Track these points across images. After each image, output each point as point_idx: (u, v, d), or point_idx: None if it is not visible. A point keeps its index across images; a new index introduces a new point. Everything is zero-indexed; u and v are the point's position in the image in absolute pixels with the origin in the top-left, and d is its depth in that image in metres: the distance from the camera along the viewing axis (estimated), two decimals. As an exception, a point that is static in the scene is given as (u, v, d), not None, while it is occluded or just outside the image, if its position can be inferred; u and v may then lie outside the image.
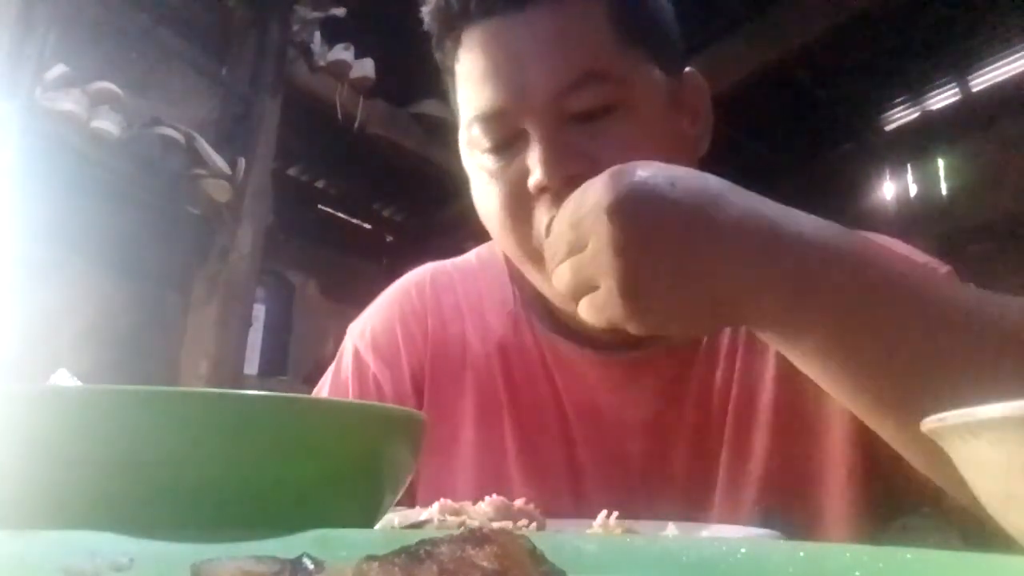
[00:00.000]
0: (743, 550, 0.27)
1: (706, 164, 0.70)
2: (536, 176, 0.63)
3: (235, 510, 0.30)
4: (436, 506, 0.47)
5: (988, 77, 4.01)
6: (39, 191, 2.12)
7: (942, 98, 4.25)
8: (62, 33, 2.20)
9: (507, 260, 0.80)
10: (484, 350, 0.78)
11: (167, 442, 0.30)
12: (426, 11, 0.73)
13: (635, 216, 0.48)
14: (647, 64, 0.68)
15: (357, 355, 0.80)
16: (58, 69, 2.24)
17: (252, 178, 2.75)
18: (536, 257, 0.65)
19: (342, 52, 3.17)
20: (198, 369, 2.61)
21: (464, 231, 2.97)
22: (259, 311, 3.42)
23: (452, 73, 0.72)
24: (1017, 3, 3.24)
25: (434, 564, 0.21)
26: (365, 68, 3.22)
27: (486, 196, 0.69)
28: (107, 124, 2.29)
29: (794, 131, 4.14)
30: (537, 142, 0.64)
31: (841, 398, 0.53)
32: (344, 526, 0.29)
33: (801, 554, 0.26)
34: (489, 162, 0.68)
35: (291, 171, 3.95)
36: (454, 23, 0.70)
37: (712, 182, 0.51)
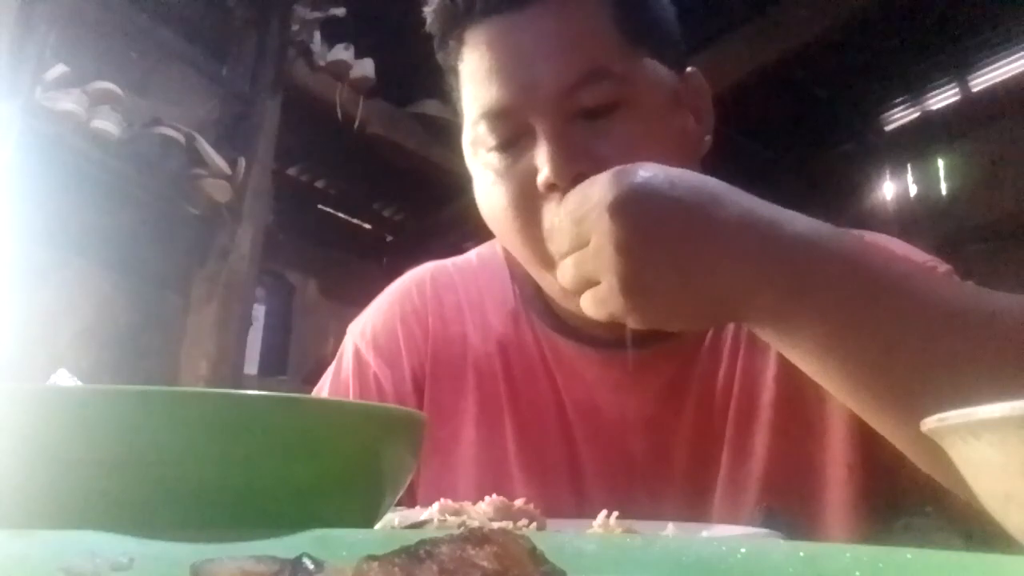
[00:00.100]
0: (743, 550, 0.27)
1: (706, 164, 0.70)
2: (545, 173, 0.63)
3: (235, 510, 0.30)
4: (436, 506, 0.47)
5: (988, 77, 4.00)
6: (39, 191, 2.11)
7: (942, 98, 4.24)
8: (62, 33, 2.20)
9: (508, 259, 0.80)
10: (485, 349, 0.78)
11: (167, 442, 0.30)
12: (429, 10, 0.73)
13: (637, 215, 0.49)
14: (651, 62, 0.68)
15: (358, 354, 0.80)
16: (58, 69, 2.23)
17: (252, 178, 2.74)
18: (543, 256, 0.65)
19: (342, 52, 3.17)
20: (198, 369, 2.61)
21: (464, 231, 2.97)
22: (259, 311, 3.43)
23: (455, 72, 0.72)
24: (1017, 3, 3.24)
25: (434, 564, 0.21)
26: (365, 68, 3.21)
27: (492, 195, 0.69)
28: (107, 124, 2.29)
29: (794, 131, 4.14)
30: (544, 139, 0.64)
31: (840, 396, 0.53)
32: (344, 526, 0.29)
33: (801, 554, 0.26)
34: (495, 160, 0.68)
35: (291, 171, 3.94)
36: (458, 22, 0.70)
37: (711, 183, 0.52)
